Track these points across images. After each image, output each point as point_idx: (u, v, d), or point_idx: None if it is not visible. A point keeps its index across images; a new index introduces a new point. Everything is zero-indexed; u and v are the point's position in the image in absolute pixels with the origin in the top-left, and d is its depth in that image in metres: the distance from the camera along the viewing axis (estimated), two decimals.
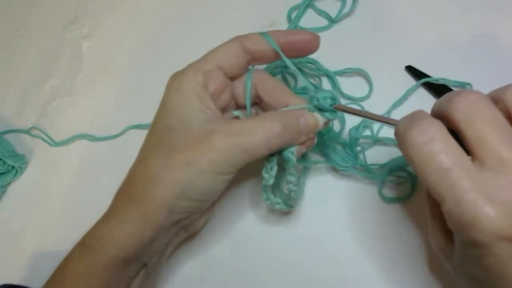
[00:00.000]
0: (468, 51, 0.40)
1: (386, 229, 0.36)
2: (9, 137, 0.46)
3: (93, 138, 0.45)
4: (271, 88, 0.33)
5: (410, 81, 0.40)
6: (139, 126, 0.44)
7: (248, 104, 0.33)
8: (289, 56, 0.32)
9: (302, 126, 0.31)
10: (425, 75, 0.40)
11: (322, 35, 0.43)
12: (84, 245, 0.31)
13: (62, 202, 0.43)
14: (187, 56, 0.46)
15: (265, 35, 0.32)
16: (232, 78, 0.33)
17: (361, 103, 0.40)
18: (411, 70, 0.41)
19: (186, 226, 0.33)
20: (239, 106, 0.35)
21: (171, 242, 0.33)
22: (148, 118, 0.43)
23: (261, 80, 0.33)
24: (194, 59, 0.46)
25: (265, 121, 0.30)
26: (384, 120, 0.31)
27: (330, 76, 0.41)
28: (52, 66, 0.49)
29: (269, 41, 0.31)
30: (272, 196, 0.33)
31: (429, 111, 0.27)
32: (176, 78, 0.32)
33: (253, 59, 0.33)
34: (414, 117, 0.26)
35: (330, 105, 0.32)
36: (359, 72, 0.41)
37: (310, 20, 0.44)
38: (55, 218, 0.43)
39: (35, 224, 0.43)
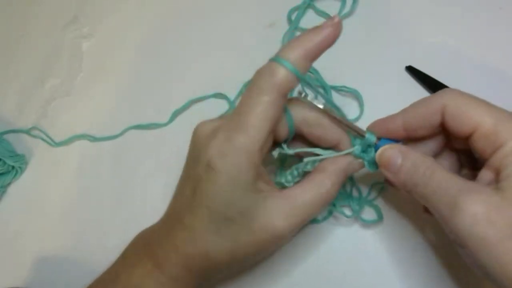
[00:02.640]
0: (468, 51, 0.40)
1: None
2: (9, 137, 0.46)
3: (93, 138, 0.45)
4: (316, 127, 0.31)
5: (410, 81, 0.40)
6: (139, 126, 0.44)
7: (290, 136, 0.32)
8: (313, 61, 0.29)
9: (348, 171, 0.32)
10: (425, 75, 0.40)
11: None
12: None
13: (62, 202, 0.43)
14: (187, 56, 0.47)
15: (288, 65, 0.27)
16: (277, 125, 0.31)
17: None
18: (411, 70, 0.40)
19: None
20: (276, 142, 0.32)
21: None
22: (148, 118, 0.44)
23: (304, 118, 0.31)
24: (194, 59, 0.46)
25: (323, 189, 0.29)
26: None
27: (325, 90, 0.41)
28: (52, 66, 0.48)
29: (294, 72, 0.27)
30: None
31: None
32: (227, 161, 0.27)
33: (287, 94, 0.29)
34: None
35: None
36: (353, 94, 0.41)
37: (310, 20, 0.44)
38: (55, 218, 0.43)
39: (35, 224, 0.43)
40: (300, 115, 0.31)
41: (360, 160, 0.32)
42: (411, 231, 0.36)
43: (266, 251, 0.30)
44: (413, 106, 0.30)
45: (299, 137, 0.33)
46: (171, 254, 0.30)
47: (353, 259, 0.36)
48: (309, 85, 0.42)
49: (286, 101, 0.30)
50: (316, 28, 0.28)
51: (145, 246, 0.31)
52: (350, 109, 0.40)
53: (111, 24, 0.49)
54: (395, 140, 0.31)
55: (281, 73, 0.27)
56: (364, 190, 0.37)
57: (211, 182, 0.28)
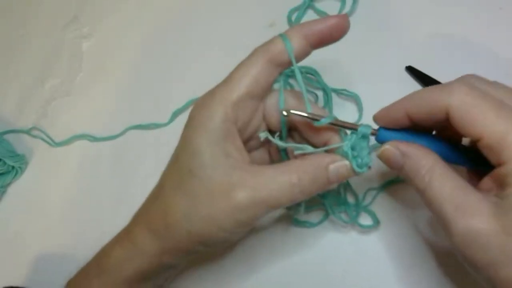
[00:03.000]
0: (468, 51, 0.40)
1: None
2: (9, 137, 0.46)
3: (93, 138, 0.45)
4: (309, 122, 0.30)
5: (410, 81, 0.40)
6: (139, 126, 0.44)
7: (284, 134, 0.31)
8: (319, 47, 0.30)
9: (332, 177, 0.29)
10: (425, 75, 0.40)
11: None
12: (101, 267, 0.31)
13: (62, 202, 0.43)
14: (187, 56, 0.47)
15: (285, 38, 0.29)
16: (263, 96, 0.31)
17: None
18: (411, 70, 0.41)
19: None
20: (270, 130, 0.32)
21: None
22: (148, 118, 0.44)
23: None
24: (194, 59, 0.46)
25: (291, 175, 0.28)
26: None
27: (326, 92, 0.41)
28: (52, 66, 0.49)
29: (288, 48, 0.29)
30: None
31: None
32: (200, 111, 0.29)
33: (284, 66, 0.30)
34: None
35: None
36: (353, 97, 0.41)
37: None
38: (55, 218, 0.43)
39: (35, 224, 0.43)
40: (294, 105, 0.31)
41: (347, 163, 0.28)
42: (408, 234, 0.36)
43: (223, 224, 0.28)
44: (418, 98, 0.28)
45: (295, 133, 0.33)
46: (138, 218, 0.31)
47: (350, 265, 0.36)
48: (311, 86, 0.42)
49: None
50: (323, 17, 0.29)
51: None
52: (350, 112, 0.40)
53: (111, 24, 0.49)
54: (396, 130, 0.29)
55: (276, 43, 0.29)
56: (360, 196, 0.37)
57: (184, 133, 0.29)
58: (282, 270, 0.37)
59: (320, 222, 0.37)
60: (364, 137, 0.29)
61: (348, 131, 0.30)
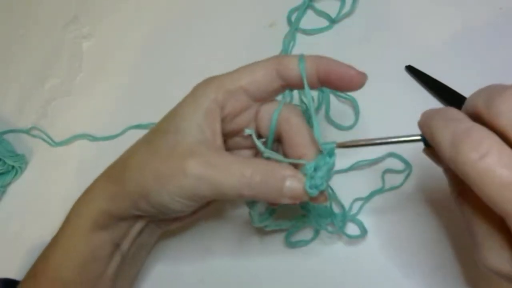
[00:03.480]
0: (468, 51, 0.40)
1: None
2: (9, 137, 0.46)
3: (93, 138, 0.45)
4: (294, 133, 0.30)
5: (410, 81, 0.40)
6: (139, 126, 0.44)
7: (270, 140, 0.31)
8: (326, 86, 0.30)
9: (286, 190, 0.27)
10: (425, 75, 0.40)
11: (322, 35, 0.44)
12: (65, 220, 0.34)
13: (62, 202, 0.43)
14: (187, 56, 0.47)
15: (301, 60, 0.29)
16: (260, 100, 0.31)
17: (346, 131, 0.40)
18: (411, 70, 0.41)
19: (158, 222, 0.35)
20: (260, 135, 0.32)
21: (144, 232, 0.34)
22: (148, 118, 0.44)
23: (287, 121, 0.31)
24: (194, 59, 0.46)
25: (246, 167, 0.27)
26: (407, 138, 0.27)
27: (323, 93, 0.41)
28: (52, 66, 0.49)
29: (301, 69, 0.29)
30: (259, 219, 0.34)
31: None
32: (200, 86, 0.31)
33: (287, 84, 0.30)
34: (458, 129, 0.23)
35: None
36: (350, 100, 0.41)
37: (310, 21, 0.44)
38: (55, 218, 0.43)
39: (35, 224, 0.43)
40: (289, 114, 0.31)
41: (303, 181, 0.27)
42: (398, 243, 0.36)
43: (167, 182, 0.28)
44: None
45: (279, 145, 0.32)
46: (105, 170, 0.33)
47: (339, 277, 0.36)
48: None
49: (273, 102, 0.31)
50: (344, 64, 0.30)
51: None
52: (347, 115, 0.41)
53: (111, 24, 0.49)
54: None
55: (290, 59, 0.30)
56: (347, 206, 0.37)
57: (182, 100, 0.31)
58: (276, 268, 0.37)
59: (312, 239, 0.37)
60: (330, 155, 0.28)
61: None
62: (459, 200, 0.26)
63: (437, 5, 0.42)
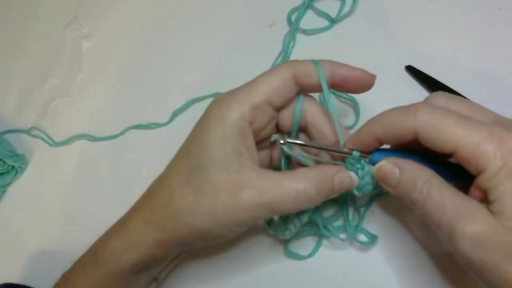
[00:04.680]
0: (468, 51, 0.40)
1: None
2: (9, 137, 0.46)
3: (93, 138, 0.45)
4: (321, 123, 0.31)
5: (410, 81, 0.40)
6: (139, 126, 0.44)
7: (293, 133, 0.32)
8: (337, 89, 0.31)
9: (336, 185, 0.29)
10: (425, 75, 0.40)
11: (322, 35, 0.44)
12: (97, 256, 0.31)
13: (62, 202, 0.43)
14: (187, 56, 0.47)
15: (318, 65, 0.30)
16: (280, 108, 0.31)
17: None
18: (411, 70, 0.41)
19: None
20: (280, 131, 0.33)
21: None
22: (148, 118, 0.44)
23: (311, 112, 0.31)
24: (194, 58, 0.46)
25: (299, 183, 0.28)
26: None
27: (324, 95, 0.41)
28: (52, 66, 0.49)
29: (320, 75, 0.30)
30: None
31: None
32: (221, 107, 0.29)
33: (303, 89, 0.31)
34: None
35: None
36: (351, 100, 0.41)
37: (310, 21, 0.44)
38: (55, 218, 0.43)
39: (35, 224, 0.43)
40: (308, 106, 0.32)
41: (351, 174, 0.30)
42: (403, 249, 0.36)
43: (224, 220, 0.28)
44: (384, 121, 0.28)
45: (302, 135, 0.33)
46: (138, 207, 0.31)
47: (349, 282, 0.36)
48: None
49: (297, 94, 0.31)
50: (353, 66, 0.31)
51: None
52: (347, 115, 0.41)
53: (111, 24, 0.49)
54: (386, 151, 0.30)
55: (305, 65, 0.30)
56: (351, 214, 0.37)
57: (199, 126, 0.30)
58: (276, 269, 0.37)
59: (313, 253, 0.37)
60: (358, 162, 0.30)
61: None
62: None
63: (437, 5, 0.42)
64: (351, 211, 0.37)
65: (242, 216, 0.28)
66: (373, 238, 0.35)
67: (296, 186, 0.28)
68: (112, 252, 0.31)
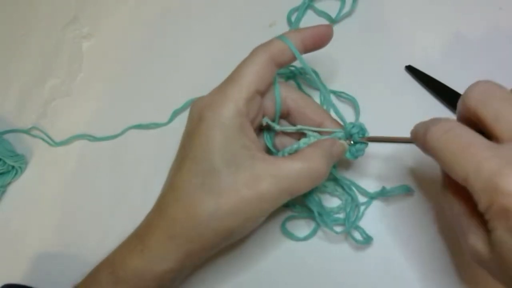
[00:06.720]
0: (468, 51, 0.40)
1: None
2: (9, 137, 0.46)
3: (93, 138, 0.45)
4: (304, 106, 0.34)
5: (410, 81, 0.41)
6: (139, 126, 0.44)
7: (276, 118, 0.34)
8: (309, 51, 0.33)
9: (335, 156, 0.32)
10: (425, 75, 0.40)
11: None
12: (117, 276, 0.30)
13: (62, 202, 0.43)
14: (187, 56, 0.47)
15: (285, 39, 0.31)
16: (264, 93, 0.33)
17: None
18: (411, 70, 0.41)
19: None
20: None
21: None
22: (148, 118, 0.44)
23: (291, 97, 0.34)
24: (194, 58, 0.46)
25: (311, 162, 0.30)
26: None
27: (323, 94, 0.41)
28: (52, 66, 0.48)
29: (291, 47, 0.31)
30: None
31: (429, 110, 0.28)
32: (214, 109, 0.30)
33: (282, 66, 0.32)
34: (431, 120, 0.26)
35: (359, 137, 0.33)
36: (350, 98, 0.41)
37: (310, 21, 0.44)
38: (55, 218, 0.43)
39: (35, 224, 0.43)
40: (287, 92, 0.34)
41: (343, 142, 0.33)
42: (399, 245, 0.36)
43: (249, 215, 0.29)
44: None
45: (285, 119, 0.35)
46: (153, 224, 0.31)
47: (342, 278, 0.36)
48: (310, 85, 0.42)
49: (275, 76, 0.33)
50: (312, 26, 0.33)
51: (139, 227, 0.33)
52: (348, 115, 0.40)
53: (111, 24, 0.49)
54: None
55: (275, 44, 0.31)
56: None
57: (198, 132, 0.30)
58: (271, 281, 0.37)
59: (310, 236, 0.37)
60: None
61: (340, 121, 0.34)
62: (446, 192, 0.28)
63: (437, 5, 0.42)
64: (354, 208, 0.37)
65: (265, 206, 0.29)
66: (368, 239, 0.35)
67: (309, 166, 0.29)
68: (135, 272, 0.30)
